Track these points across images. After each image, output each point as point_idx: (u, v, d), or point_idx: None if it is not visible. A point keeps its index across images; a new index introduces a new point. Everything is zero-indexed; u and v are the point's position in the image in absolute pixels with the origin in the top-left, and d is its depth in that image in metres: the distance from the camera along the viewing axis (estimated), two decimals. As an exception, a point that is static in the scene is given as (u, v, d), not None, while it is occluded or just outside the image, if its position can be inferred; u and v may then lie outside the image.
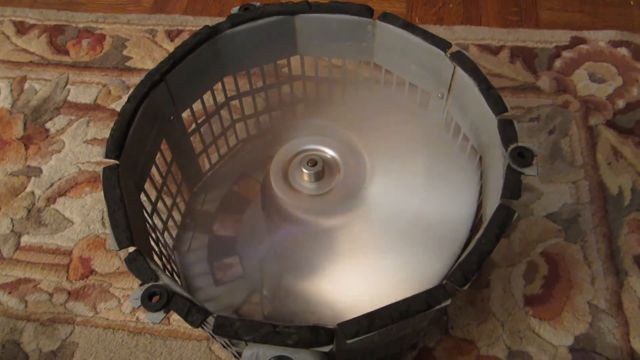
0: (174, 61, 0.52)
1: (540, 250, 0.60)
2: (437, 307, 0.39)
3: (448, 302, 0.39)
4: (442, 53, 0.51)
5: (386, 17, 0.54)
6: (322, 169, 0.50)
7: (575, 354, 0.54)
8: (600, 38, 0.76)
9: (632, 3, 0.81)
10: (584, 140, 0.67)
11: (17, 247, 0.63)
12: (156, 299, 0.40)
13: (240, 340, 0.38)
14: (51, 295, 0.60)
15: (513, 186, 0.43)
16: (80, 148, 0.70)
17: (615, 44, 0.75)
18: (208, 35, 0.54)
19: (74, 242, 0.63)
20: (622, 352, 0.53)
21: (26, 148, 0.71)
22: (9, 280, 0.61)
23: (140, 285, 0.40)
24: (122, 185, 0.45)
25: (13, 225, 0.65)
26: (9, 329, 0.58)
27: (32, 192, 0.67)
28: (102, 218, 0.65)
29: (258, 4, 0.56)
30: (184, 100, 0.56)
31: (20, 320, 0.58)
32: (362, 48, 0.57)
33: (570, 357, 0.53)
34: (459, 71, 0.50)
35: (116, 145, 0.47)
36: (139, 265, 0.41)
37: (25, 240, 0.64)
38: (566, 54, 0.75)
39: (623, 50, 0.75)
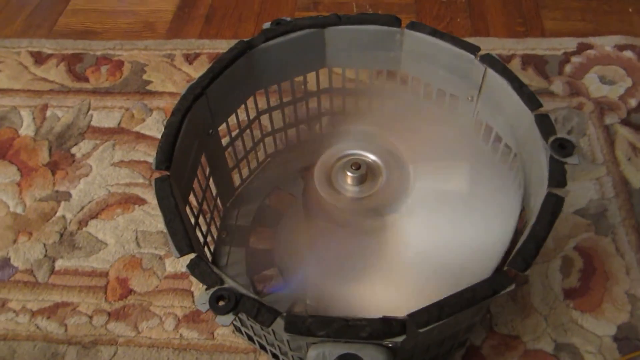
0: (213, 75, 0.53)
1: (573, 245, 0.61)
2: (503, 292, 0.40)
3: (512, 286, 0.40)
4: (472, 57, 0.53)
5: (414, 26, 0.56)
6: (365, 172, 0.52)
7: (620, 343, 0.54)
8: (605, 43, 0.79)
9: (630, 10, 0.85)
10: (602, 138, 0.69)
11: (52, 271, 0.63)
12: (224, 302, 0.40)
13: (313, 337, 0.39)
14: (91, 317, 0.59)
15: (558, 175, 0.45)
16: (108, 171, 0.70)
17: (621, 47, 0.79)
18: (243, 49, 0.55)
19: (109, 264, 0.63)
20: (665, 339, 0.54)
21: (53, 174, 0.71)
22: (47, 305, 0.60)
23: (207, 289, 0.41)
24: (174, 194, 0.46)
25: (46, 250, 0.64)
26: (51, 353, 0.57)
27: (63, 216, 0.67)
28: (137, 238, 0.64)
29: (288, 18, 0.58)
30: (221, 114, 0.57)
31: (62, 344, 0.57)
32: (390, 57, 0.59)
33: (615, 346, 0.54)
34: (490, 72, 0.52)
35: (166, 157, 0.47)
36: (202, 270, 0.42)
37: (59, 264, 0.63)
38: (575, 59, 0.78)
39: (629, 53, 0.78)
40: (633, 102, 0.73)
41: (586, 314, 0.56)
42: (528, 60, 0.78)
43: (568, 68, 0.77)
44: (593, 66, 0.77)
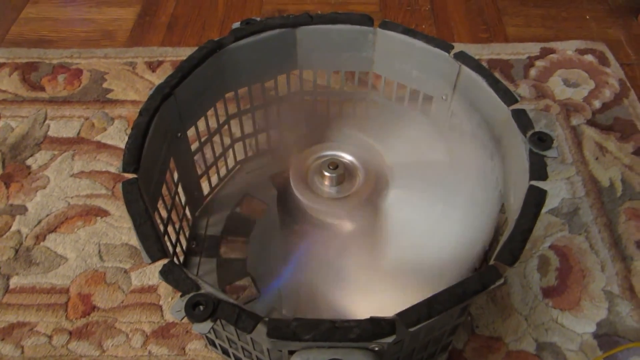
0: (182, 75, 0.51)
1: (549, 244, 0.61)
2: (492, 287, 0.38)
3: (501, 281, 0.39)
4: (446, 54, 0.53)
5: (387, 25, 0.56)
6: (343, 172, 0.50)
7: (600, 340, 0.54)
8: (567, 48, 0.81)
9: (587, 17, 0.88)
10: (570, 139, 0.70)
11: (6, 290, 0.58)
12: (201, 309, 0.37)
13: (298, 341, 0.36)
14: (50, 337, 0.55)
15: (539, 168, 0.45)
16: (68, 182, 0.66)
17: (582, 52, 0.81)
18: (213, 49, 0.53)
19: (70, 279, 0.59)
20: (644, 333, 0.54)
21: (7, 186, 0.66)
22: (1, 326, 0.56)
23: (181, 296, 0.38)
24: (144, 198, 0.43)
25: (0, 268, 0.60)
26: (6, 377, 0.52)
27: (18, 231, 0.62)
28: (99, 251, 0.61)
29: (258, 18, 0.56)
30: (190, 116, 0.54)
31: (18, 367, 0.53)
32: (362, 58, 0.59)
33: (595, 343, 0.54)
34: (465, 69, 0.52)
35: (133, 159, 0.45)
36: (176, 276, 0.39)
37: (15, 281, 0.59)
38: (539, 63, 0.79)
39: (589, 57, 0.80)
40: (597, 104, 0.74)
41: (565, 312, 0.56)
42: (494, 65, 0.79)
43: (533, 72, 0.78)
44: (557, 70, 0.79)
